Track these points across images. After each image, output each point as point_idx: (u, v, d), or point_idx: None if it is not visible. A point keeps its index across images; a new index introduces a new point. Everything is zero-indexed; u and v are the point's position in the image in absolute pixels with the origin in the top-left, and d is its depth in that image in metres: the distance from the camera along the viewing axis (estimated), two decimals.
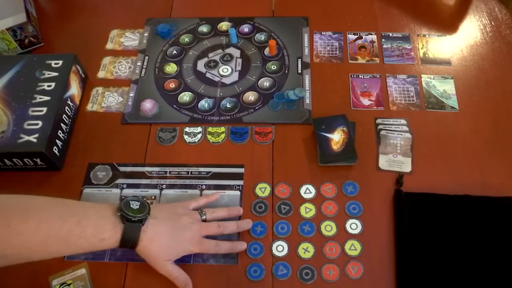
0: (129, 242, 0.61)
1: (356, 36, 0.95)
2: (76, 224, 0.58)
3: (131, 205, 0.62)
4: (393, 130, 0.81)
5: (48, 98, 0.80)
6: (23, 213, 0.57)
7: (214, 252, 0.69)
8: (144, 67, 0.93)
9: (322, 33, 0.96)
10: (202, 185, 0.78)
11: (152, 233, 0.63)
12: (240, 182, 0.78)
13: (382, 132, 0.81)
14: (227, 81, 0.90)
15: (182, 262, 0.70)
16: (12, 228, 0.55)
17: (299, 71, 0.90)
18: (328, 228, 0.72)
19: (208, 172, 0.79)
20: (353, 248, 0.70)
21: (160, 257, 0.65)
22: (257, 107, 0.86)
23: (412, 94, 0.86)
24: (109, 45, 0.97)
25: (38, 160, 0.77)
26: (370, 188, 0.76)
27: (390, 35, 0.95)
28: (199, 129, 0.84)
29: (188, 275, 0.69)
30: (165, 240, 0.64)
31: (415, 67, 0.90)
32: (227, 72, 0.91)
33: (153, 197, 0.77)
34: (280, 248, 0.71)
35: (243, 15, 1.00)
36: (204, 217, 0.69)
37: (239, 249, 0.70)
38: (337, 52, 0.93)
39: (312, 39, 0.95)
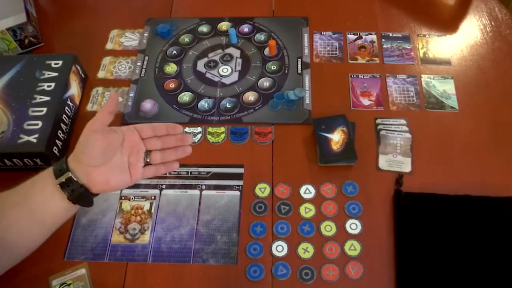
0: (59, 170, 0.60)
1: (356, 36, 0.95)
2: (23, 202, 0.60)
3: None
4: (393, 130, 0.81)
5: (48, 98, 0.80)
6: None
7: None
8: (144, 67, 0.93)
9: (322, 33, 0.96)
10: (202, 185, 0.78)
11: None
12: (240, 182, 0.78)
13: (382, 132, 0.81)
14: (227, 81, 0.90)
15: (182, 262, 0.70)
16: None
17: (299, 71, 0.90)
18: (328, 228, 0.72)
19: (208, 172, 0.79)
20: (352, 248, 0.70)
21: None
22: (257, 107, 0.86)
23: (412, 94, 0.86)
24: (109, 45, 0.97)
25: (38, 160, 0.77)
26: (370, 188, 0.76)
27: (390, 35, 0.95)
28: (199, 129, 0.84)
29: (188, 275, 0.70)
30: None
31: (415, 67, 0.90)
32: (227, 72, 0.91)
33: (153, 197, 0.77)
34: (280, 248, 0.71)
35: (243, 15, 1.00)
36: (148, 159, 0.66)
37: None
38: (337, 52, 0.93)
39: (312, 39, 0.95)
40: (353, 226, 0.72)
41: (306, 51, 0.93)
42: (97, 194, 0.64)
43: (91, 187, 0.61)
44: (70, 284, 0.69)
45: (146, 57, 0.94)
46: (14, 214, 0.61)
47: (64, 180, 0.60)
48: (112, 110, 0.62)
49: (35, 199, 0.61)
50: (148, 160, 0.66)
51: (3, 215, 0.61)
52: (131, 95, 0.89)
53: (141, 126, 0.65)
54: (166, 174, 0.78)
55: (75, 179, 0.60)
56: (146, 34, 0.98)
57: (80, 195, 0.61)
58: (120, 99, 0.89)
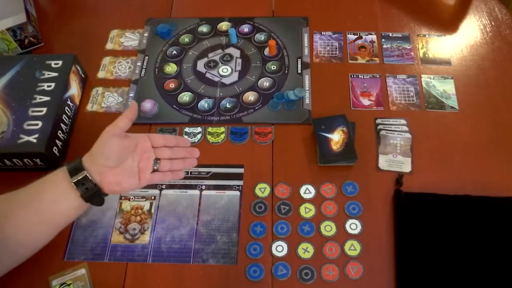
0: (74, 169, 0.63)
1: (356, 36, 0.95)
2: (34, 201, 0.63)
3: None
4: (393, 130, 0.81)
5: (48, 98, 0.80)
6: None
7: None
8: (144, 67, 0.93)
9: (322, 33, 0.96)
10: (202, 185, 0.78)
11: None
12: (240, 182, 0.78)
13: (382, 132, 0.81)
14: (227, 81, 0.90)
15: (182, 262, 0.70)
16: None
17: (299, 71, 0.90)
18: (328, 228, 0.72)
19: (208, 172, 0.79)
20: (352, 248, 0.70)
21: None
22: (257, 107, 0.86)
23: (412, 94, 0.86)
24: (109, 45, 0.97)
25: (38, 160, 0.77)
26: (370, 188, 0.76)
27: (390, 35, 0.95)
28: (199, 129, 0.84)
29: (188, 275, 0.70)
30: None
31: (415, 67, 0.90)
32: (227, 72, 0.91)
33: (153, 197, 0.77)
34: (279, 248, 0.71)
35: (243, 15, 1.00)
36: (157, 166, 0.70)
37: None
38: (337, 52, 0.93)
39: (312, 39, 0.95)
40: (353, 226, 0.72)
41: (306, 51, 0.93)
42: (107, 195, 0.67)
43: (104, 187, 0.65)
44: (70, 284, 0.69)
45: (146, 57, 0.94)
46: (23, 214, 0.62)
47: (80, 178, 0.63)
48: (132, 117, 0.66)
49: (46, 198, 0.63)
50: (156, 168, 0.69)
51: (12, 215, 0.62)
52: (131, 95, 0.89)
53: (153, 135, 0.70)
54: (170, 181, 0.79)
55: (90, 178, 0.63)
56: (146, 34, 0.98)
57: (94, 193, 0.64)
58: (120, 99, 0.89)
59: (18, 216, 0.62)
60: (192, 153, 0.72)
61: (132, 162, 0.67)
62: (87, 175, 0.63)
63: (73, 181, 0.63)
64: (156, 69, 0.93)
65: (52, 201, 0.63)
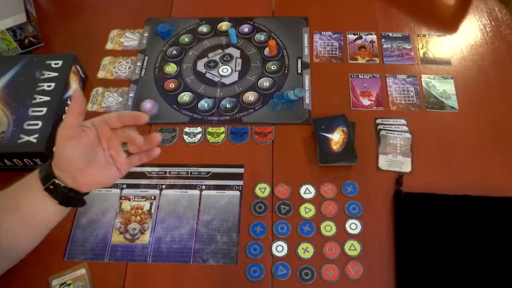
0: (45, 177, 0.58)
1: (356, 36, 0.95)
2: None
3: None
4: (393, 130, 0.81)
5: (48, 98, 0.80)
6: None
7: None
8: (144, 67, 0.93)
9: (322, 33, 0.96)
10: (202, 185, 0.78)
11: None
12: (240, 182, 0.78)
13: (382, 132, 0.81)
14: (227, 81, 0.90)
15: (182, 262, 0.70)
16: None
17: (299, 71, 0.90)
18: (328, 228, 0.72)
19: (208, 172, 0.79)
20: (352, 248, 0.70)
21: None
22: (257, 107, 0.86)
23: (412, 94, 0.86)
24: (109, 45, 0.97)
25: (38, 161, 0.77)
26: (370, 188, 0.76)
27: (390, 35, 0.95)
28: (199, 129, 0.84)
29: (188, 275, 0.70)
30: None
31: (415, 67, 0.90)
32: (227, 72, 0.91)
33: (152, 197, 0.77)
34: (279, 248, 0.71)
35: (243, 15, 1.00)
36: (126, 148, 0.61)
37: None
38: (337, 52, 0.93)
39: (312, 39, 0.95)
40: (353, 226, 0.72)
41: (306, 51, 0.93)
42: (88, 192, 0.62)
43: (80, 188, 0.59)
44: (70, 284, 0.69)
45: (146, 57, 0.94)
46: (9, 221, 0.59)
47: (51, 186, 0.58)
48: (80, 110, 0.56)
49: (28, 205, 0.59)
50: (125, 149, 0.62)
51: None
52: (131, 95, 0.89)
53: (108, 117, 0.60)
54: (165, 174, 0.79)
55: (62, 185, 0.58)
56: (146, 34, 0.98)
57: (70, 198, 0.59)
58: (120, 99, 0.89)
59: (4, 223, 0.59)
60: (152, 141, 0.61)
61: (103, 153, 0.59)
62: (59, 182, 0.57)
63: (45, 190, 0.58)
64: (156, 69, 0.93)
65: (34, 209, 0.59)
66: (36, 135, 0.76)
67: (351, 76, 0.89)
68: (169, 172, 0.79)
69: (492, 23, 0.95)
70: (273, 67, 0.91)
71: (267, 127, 0.84)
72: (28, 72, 0.83)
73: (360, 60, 0.91)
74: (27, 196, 0.59)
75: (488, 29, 0.94)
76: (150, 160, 0.62)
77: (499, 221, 0.70)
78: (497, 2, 0.98)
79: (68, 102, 0.84)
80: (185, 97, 0.88)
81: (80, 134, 0.57)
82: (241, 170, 0.79)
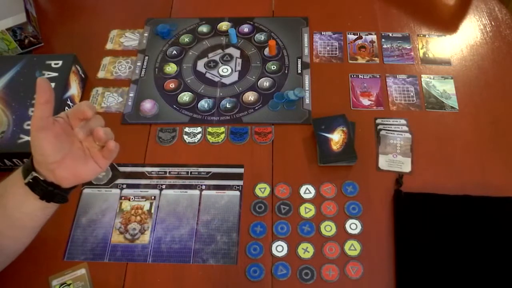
0: (26, 170, 0.57)
1: (356, 36, 0.95)
2: None
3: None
4: (393, 130, 0.81)
5: None
6: None
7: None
8: (144, 67, 0.93)
9: (322, 33, 0.96)
10: (202, 185, 0.78)
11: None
12: (240, 182, 0.78)
13: (382, 132, 0.81)
14: (227, 81, 0.90)
15: (182, 262, 0.70)
16: None
17: (299, 71, 0.90)
18: (328, 228, 0.72)
19: (207, 172, 0.79)
20: (352, 248, 0.70)
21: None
22: (257, 107, 0.86)
23: (412, 94, 0.86)
24: (109, 45, 0.97)
25: None
26: (370, 188, 0.76)
27: (390, 35, 0.95)
28: (199, 129, 0.84)
29: (188, 275, 0.70)
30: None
31: (415, 67, 0.90)
32: (227, 72, 0.91)
33: (152, 197, 0.77)
34: (279, 248, 0.71)
35: (243, 15, 1.00)
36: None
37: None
38: (337, 52, 0.93)
39: (312, 39, 0.95)
40: (353, 226, 0.72)
41: (306, 51, 0.93)
42: (71, 189, 0.61)
43: (60, 182, 0.58)
44: (70, 284, 0.69)
45: (146, 57, 0.94)
46: None
47: (31, 180, 0.57)
48: (47, 98, 0.54)
49: (10, 202, 0.59)
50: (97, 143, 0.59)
51: None
52: (131, 95, 0.89)
53: (71, 111, 0.58)
54: (165, 174, 0.79)
55: (42, 179, 0.57)
56: (146, 34, 0.98)
57: (51, 193, 0.58)
58: (120, 99, 0.89)
59: None
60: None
61: (80, 146, 0.58)
62: (38, 176, 0.57)
63: (26, 184, 0.57)
64: (156, 69, 0.93)
65: (16, 205, 0.59)
66: None
67: (351, 76, 0.89)
68: (169, 172, 0.79)
69: (492, 23, 0.95)
70: (273, 67, 0.91)
71: (267, 127, 0.84)
72: (28, 72, 0.83)
73: (360, 60, 0.91)
74: (10, 193, 0.59)
75: (488, 29, 0.94)
76: (111, 154, 0.59)
77: (499, 221, 0.70)
78: (497, 2, 0.98)
79: (68, 102, 0.84)
80: (185, 97, 0.88)
81: (51, 125, 0.55)
82: (241, 170, 0.79)
